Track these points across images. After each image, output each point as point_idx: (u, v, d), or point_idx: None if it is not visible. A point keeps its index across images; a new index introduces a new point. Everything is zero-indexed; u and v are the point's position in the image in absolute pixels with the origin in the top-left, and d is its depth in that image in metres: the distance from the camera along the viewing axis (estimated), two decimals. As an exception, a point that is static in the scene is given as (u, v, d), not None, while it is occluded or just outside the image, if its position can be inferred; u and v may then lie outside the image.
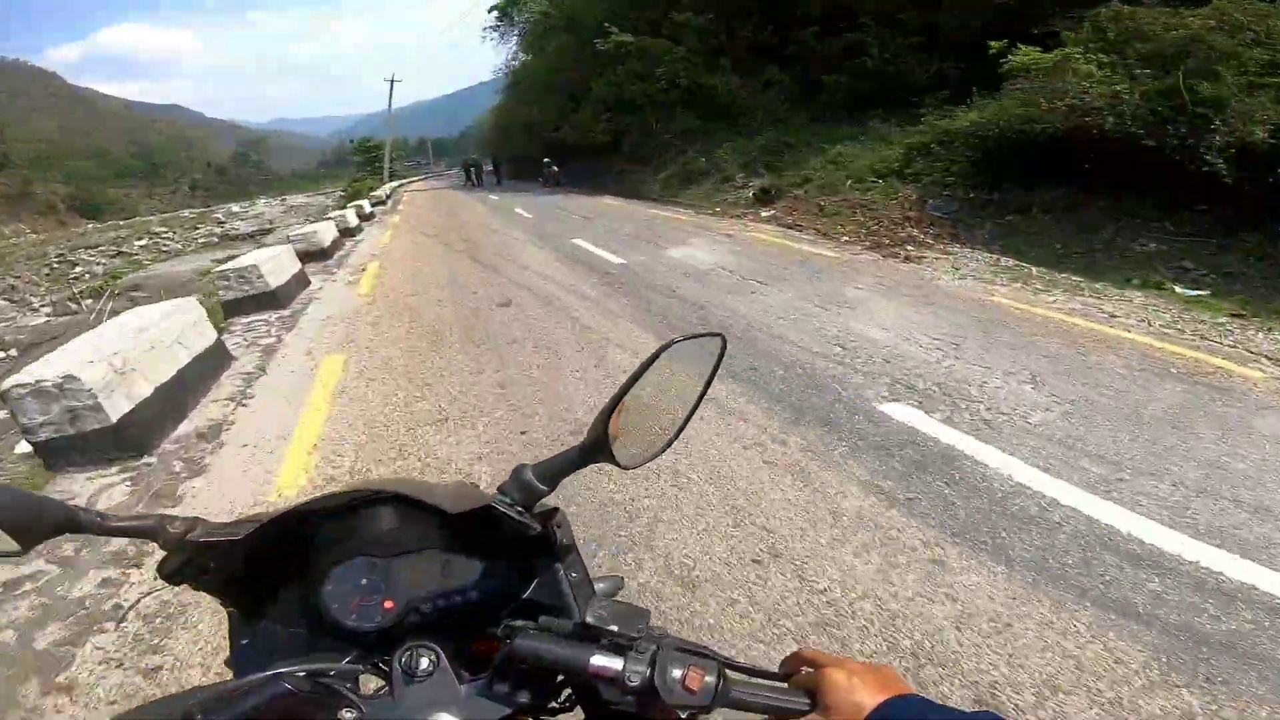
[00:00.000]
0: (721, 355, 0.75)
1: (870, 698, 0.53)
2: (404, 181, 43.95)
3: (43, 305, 17.76)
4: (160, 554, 0.65)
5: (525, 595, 0.69)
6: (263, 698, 0.50)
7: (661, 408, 0.73)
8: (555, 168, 26.00)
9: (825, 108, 16.20)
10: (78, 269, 27.19)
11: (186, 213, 61.73)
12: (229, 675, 0.65)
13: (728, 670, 0.56)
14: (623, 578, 0.82)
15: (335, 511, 0.68)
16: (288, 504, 0.68)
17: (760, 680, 0.59)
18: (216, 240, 37.53)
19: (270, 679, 0.52)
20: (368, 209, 19.75)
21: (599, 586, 0.73)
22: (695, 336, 0.73)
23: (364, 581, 0.66)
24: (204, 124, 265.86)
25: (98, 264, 29.94)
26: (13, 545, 0.59)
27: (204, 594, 0.68)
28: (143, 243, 39.54)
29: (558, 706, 0.66)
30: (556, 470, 0.69)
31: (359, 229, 15.96)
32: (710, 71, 18.71)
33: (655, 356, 0.67)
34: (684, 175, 17.17)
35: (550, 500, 0.70)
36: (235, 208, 69.72)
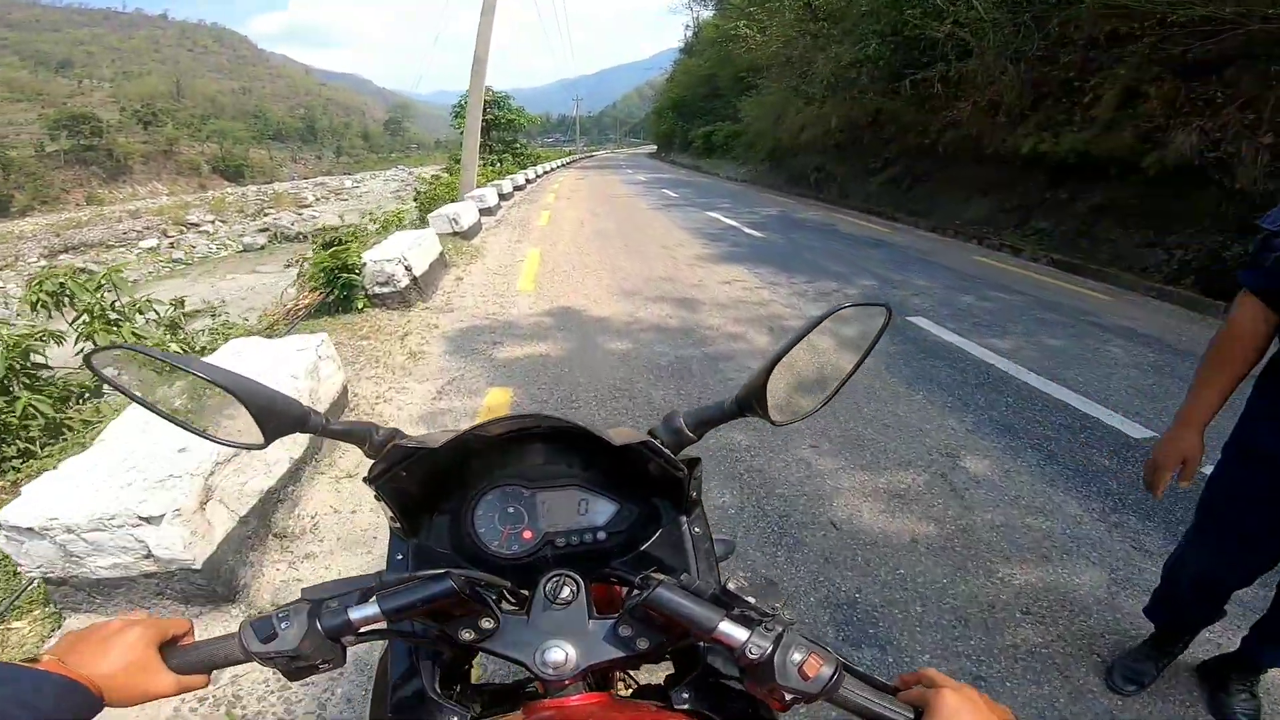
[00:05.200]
0: (885, 327, 0.65)
1: None
2: (519, 182, 18.86)
3: None
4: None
5: (646, 545, 0.70)
6: (434, 588, 0.53)
7: (818, 370, 0.69)
8: None
9: None
10: None
11: (260, 189, 48.17)
12: None
13: (845, 669, 0.53)
14: (734, 541, 0.74)
15: (498, 439, 0.69)
16: (466, 427, 0.65)
17: (869, 685, 0.54)
18: (260, 244, 23.62)
19: (443, 574, 0.54)
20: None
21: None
22: (862, 305, 0.65)
23: (510, 510, 0.69)
24: (371, 92, 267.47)
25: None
26: (258, 438, 0.61)
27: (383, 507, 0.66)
28: (150, 244, 25.49)
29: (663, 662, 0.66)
30: (707, 419, 0.68)
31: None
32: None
33: (820, 319, 0.64)
34: None
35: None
36: (349, 182, 57.17)
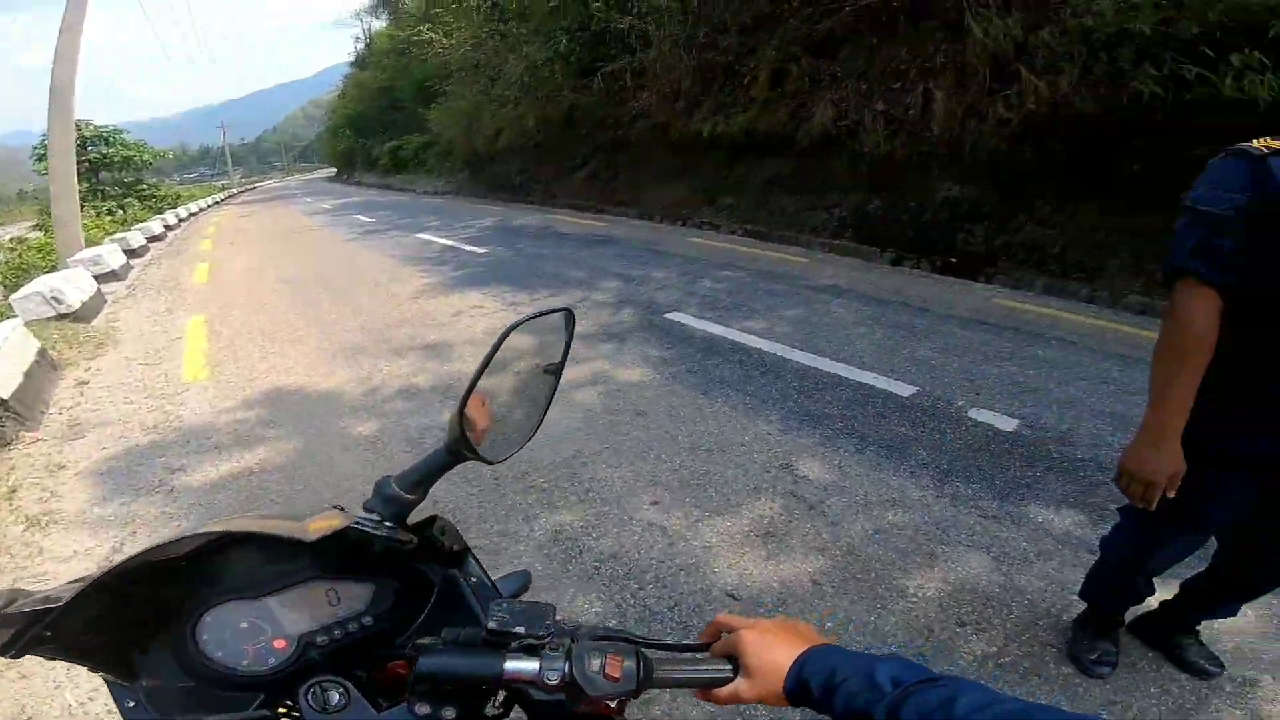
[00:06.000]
0: (572, 329, 0.63)
1: (786, 655, 0.50)
2: (155, 231, 13.82)
3: None
4: None
5: (427, 609, 0.62)
6: None
7: (519, 391, 0.63)
8: None
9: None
10: None
11: None
12: None
13: (646, 650, 0.51)
14: (528, 571, 0.68)
15: (185, 558, 0.55)
16: (120, 560, 0.50)
17: (681, 655, 0.54)
18: None
19: None
20: None
21: (504, 585, 0.66)
22: (540, 315, 0.62)
23: (244, 625, 0.57)
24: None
25: None
26: None
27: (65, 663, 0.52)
28: None
29: (494, 713, 0.57)
30: (422, 475, 0.60)
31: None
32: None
33: (500, 341, 0.57)
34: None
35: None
36: None
